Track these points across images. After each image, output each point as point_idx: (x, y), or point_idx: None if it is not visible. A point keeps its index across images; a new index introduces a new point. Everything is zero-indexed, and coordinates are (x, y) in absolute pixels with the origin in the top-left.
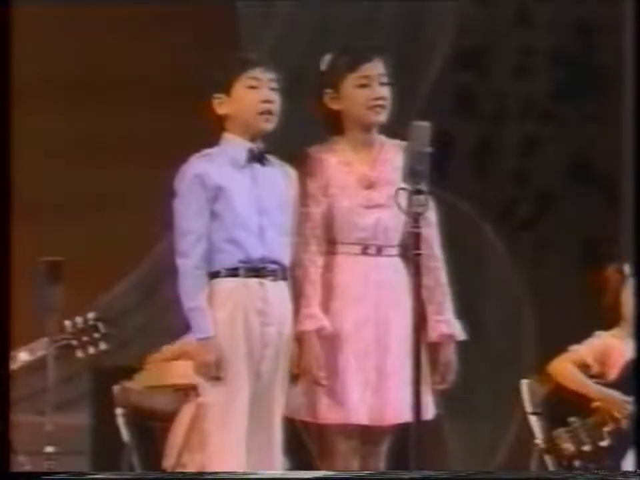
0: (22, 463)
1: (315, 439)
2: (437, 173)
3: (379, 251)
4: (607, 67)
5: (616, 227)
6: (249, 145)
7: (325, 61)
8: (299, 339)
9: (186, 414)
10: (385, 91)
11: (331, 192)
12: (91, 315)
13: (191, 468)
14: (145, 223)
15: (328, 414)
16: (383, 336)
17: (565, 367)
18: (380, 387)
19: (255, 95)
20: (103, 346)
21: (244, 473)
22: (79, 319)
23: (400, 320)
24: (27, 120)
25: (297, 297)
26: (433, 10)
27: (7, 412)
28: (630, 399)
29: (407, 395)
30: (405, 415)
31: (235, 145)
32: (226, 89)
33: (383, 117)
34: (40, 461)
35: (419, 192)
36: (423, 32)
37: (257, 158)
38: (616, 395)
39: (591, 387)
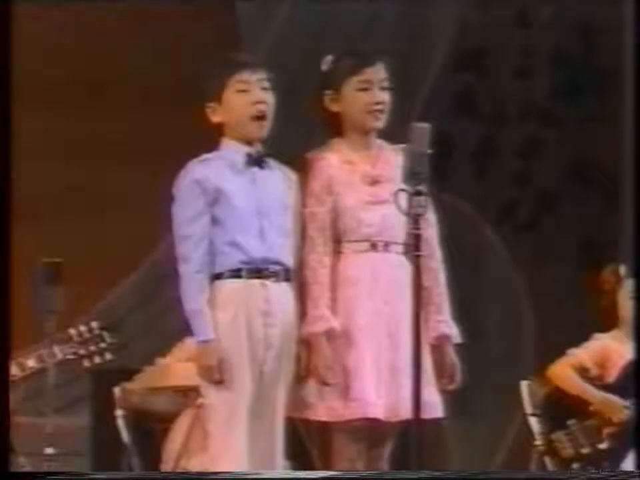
0: (22, 464)
1: (318, 440)
2: (436, 174)
3: (387, 247)
4: (607, 67)
5: (616, 228)
6: (246, 149)
7: (327, 61)
8: (308, 340)
9: (185, 417)
10: (385, 96)
11: (335, 190)
12: (95, 324)
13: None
14: (145, 224)
15: (342, 411)
16: (394, 332)
17: (564, 371)
18: (393, 383)
19: (246, 98)
20: (108, 356)
21: (244, 474)
22: (83, 328)
23: (409, 316)
24: (27, 120)
25: (305, 298)
26: (434, 11)
27: (7, 413)
28: (628, 403)
29: (419, 391)
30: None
31: (233, 150)
32: (216, 97)
33: (381, 122)
34: (40, 462)
35: (418, 193)
36: (424, 33)
37: (256, 162)
38: (615, 399)
39: (590, 392)
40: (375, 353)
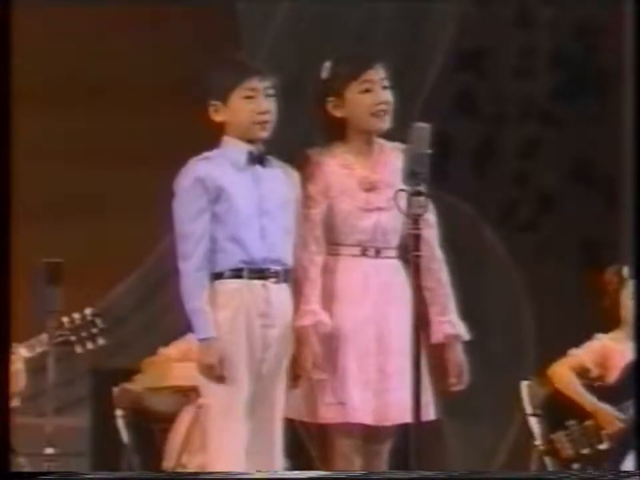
0: (22, 464)
1: (317, 439)
2: (436, 174)
3: (378, 253)
4: (607, 67)
5: (616, 229)
6: (248, 147)
7: (326, 68)
8: (298, 334)
9: (186, 416)
10: (388, 95)
11: (331, 194)
12: (88, 311)
13: (191, 469)
14: (145, 224)
15: (329, 413)
16: (384, 337)
17: (564, 373)
18: (382, 387)
19: (251, 106)
20: (101, 341)
21: (242, 473)
22: (76, 315)
23: (401, 321)
24: (27, 120)
25: (296, 295)
26: (434, 11)
27: (7, 413)
28: (624, 416)
29: (410, 395)
30: (407, 415)
31: (234, 148)
32: (222, 97)
33: (386, 123)
34: (40, 462)
35: (418, 193)
36: (423, 33)
37: (258, 160)
38: (611, 411)
39: (585, 399)
40: (362, 357)
